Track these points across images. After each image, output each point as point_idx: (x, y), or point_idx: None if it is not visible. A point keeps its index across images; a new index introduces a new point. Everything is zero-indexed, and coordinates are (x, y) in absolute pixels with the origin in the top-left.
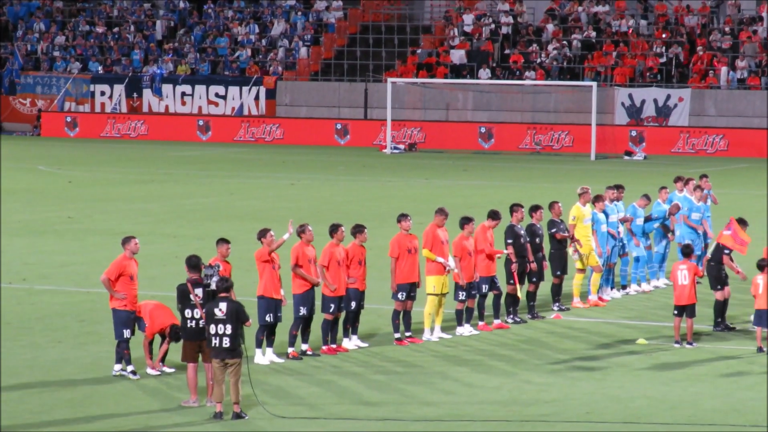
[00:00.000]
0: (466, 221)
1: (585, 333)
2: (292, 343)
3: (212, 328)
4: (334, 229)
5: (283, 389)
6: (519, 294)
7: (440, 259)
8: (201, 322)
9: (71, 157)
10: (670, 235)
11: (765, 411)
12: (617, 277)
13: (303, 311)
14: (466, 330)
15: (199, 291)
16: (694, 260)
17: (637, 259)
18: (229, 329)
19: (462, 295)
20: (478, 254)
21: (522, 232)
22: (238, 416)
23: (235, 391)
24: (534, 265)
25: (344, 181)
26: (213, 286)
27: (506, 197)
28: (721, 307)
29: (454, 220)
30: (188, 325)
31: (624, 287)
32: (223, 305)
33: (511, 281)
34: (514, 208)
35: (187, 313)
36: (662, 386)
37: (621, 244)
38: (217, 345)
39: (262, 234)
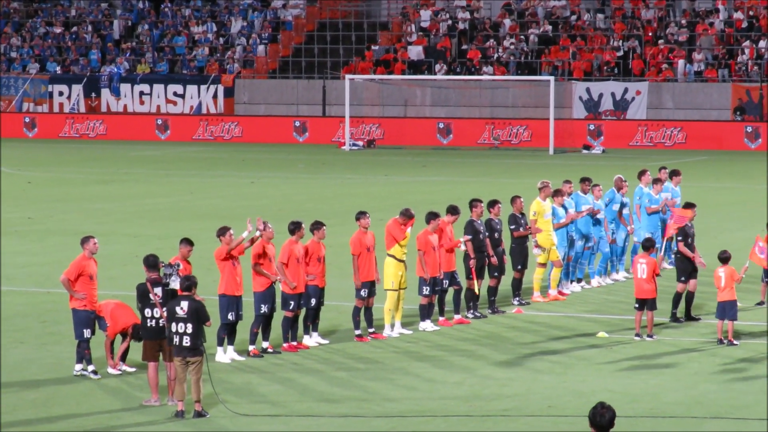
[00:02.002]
0: (432, 216)
1: (546, 327)
2: (253, 341)
3: (173, 327)
4: (297, 226)
5: (244, 387)
6: (476, 290)
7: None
8: (161, 321)
9: (30, 158)
10: (629, 228)
11: (726, 402)
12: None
13: (264, 309)
14: (428, 325)
15: (158, 290)
16: (654, 254)
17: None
18: (190, 328)
19: (426, 290)
20: (438, 249)
21: (481, 227)
22: (199, 415)
23: (197, 390)
24: (494, 260)
25: (303, 179)
26: (172, 285)
27: (466, 192)
28: (678, 299)
29: (416, 216)
30: (148, 325)
31: (580, 280)
32: (184, 304)
33: (470, 277)
34: (473, 203)
35: (147, 312)
36: (623, 379)
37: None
38: (178, 343)
39: (222, 232)
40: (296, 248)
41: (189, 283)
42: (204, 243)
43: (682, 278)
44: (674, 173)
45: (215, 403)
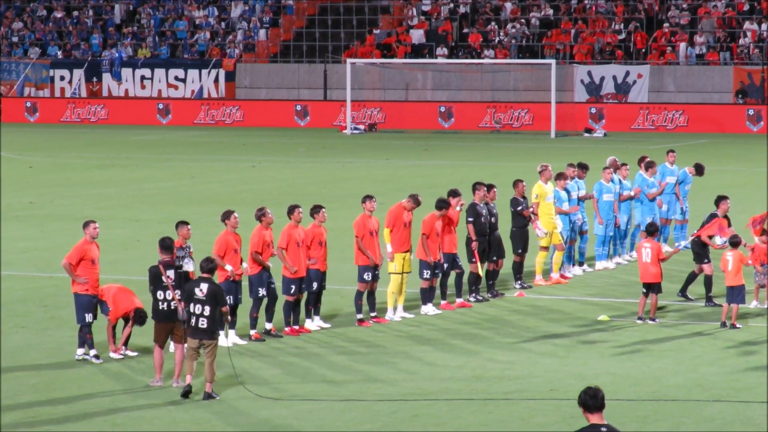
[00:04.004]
0: (444, 204)
1: (547, 311)
2: (253, 326)
3: (191, 308)
4: (291, 210)
5: (246, 371)
6: (480, 272)
7: (388, 248)
8: (173, 304)
9: (32, 143)
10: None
11: (727, 385)
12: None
13: (261, 292)
14: (430, 309)
15: (170, 273)
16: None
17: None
18: (207, 310)
19: (427, 274)
20: (441, 235)
21: (483, 211)
22: (209, 396)
23: (210, 371)
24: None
25: (305, 163)
26: (186, 267)
27: (467, 176)
28: (710, 282)
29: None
30: (160, 307)
31: (582, 264)
32: (204, 286)
33: (473, 260)
34: (475, 186)
35: (159, 294)
36: (625, 362)
37: (582, 221)
38: (194, 325)
39: (226, 216)
40: (296, 232)
41: (211, 265)
42: (205, 227)
43: (705, 260)
44: (699, 170)
45: (226, 386)
